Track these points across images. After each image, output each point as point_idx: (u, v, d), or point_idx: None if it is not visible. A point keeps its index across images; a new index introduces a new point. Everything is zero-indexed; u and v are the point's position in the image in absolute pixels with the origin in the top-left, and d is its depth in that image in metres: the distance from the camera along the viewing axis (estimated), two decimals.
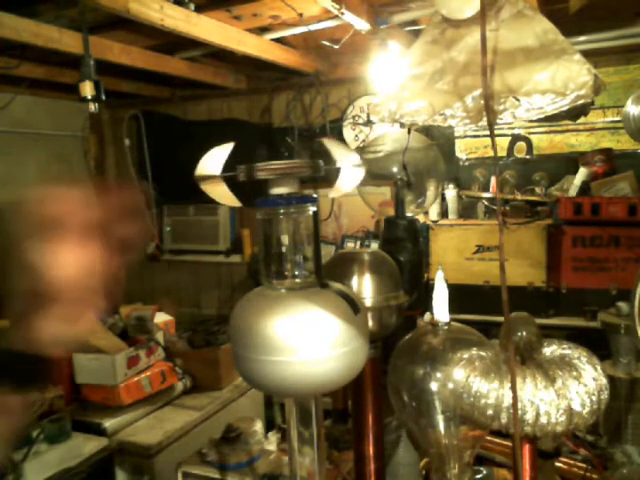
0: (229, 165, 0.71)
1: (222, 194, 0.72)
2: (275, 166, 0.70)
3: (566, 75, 0.82)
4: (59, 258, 0.59)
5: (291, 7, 2.06)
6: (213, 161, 0.71)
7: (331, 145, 0.74)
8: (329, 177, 0.75)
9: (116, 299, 0.62)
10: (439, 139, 2.76)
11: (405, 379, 0.92)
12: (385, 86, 1.01)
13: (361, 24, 2.10)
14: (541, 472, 0.87)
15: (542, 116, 0.85)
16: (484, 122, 0.85)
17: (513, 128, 2.74)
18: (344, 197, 3.01)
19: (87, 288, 0.61)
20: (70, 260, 0.59)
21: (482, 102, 0.84)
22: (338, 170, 0.74)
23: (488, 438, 1.26)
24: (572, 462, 1.23)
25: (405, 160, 1.54)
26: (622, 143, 2.61)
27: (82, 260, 0.60)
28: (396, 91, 0.96)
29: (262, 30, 2.40)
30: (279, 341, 0.67)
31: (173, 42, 2.40)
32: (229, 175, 0.70)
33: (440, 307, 0.95)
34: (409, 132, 1.62)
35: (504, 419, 0.73)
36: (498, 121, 0.85)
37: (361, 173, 0.75)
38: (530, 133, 2.76)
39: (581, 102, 0.82)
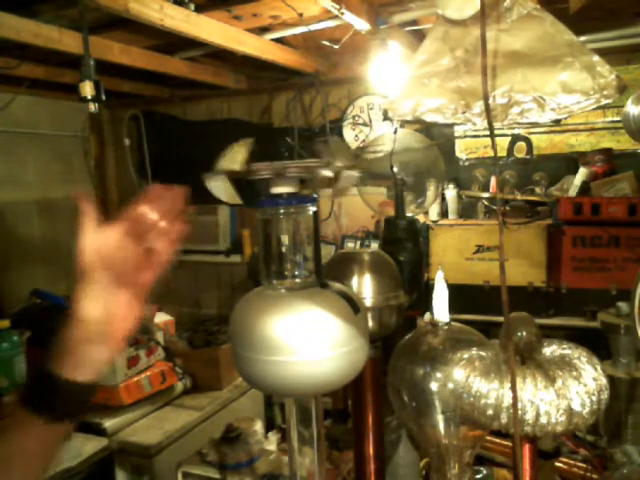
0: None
1: (229, 192, 0.72)
2: (305, 164, 0.70)
3: (589, 75, 0.82)
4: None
5: (291, 7, 2.06)
6: (234, 158, 0.70)
7: (329, 147, 0.74)
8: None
9: None
10: (439, 139, 2.76)
11: (405, 379, 0.92)
12: (398, 83, 1.00)
13: (361, 24, 2.10)
14: (541, 472, 0.87)
15: (566, 116, 0.85)
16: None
17: (513, 128, 2.74)
18: (344, 197, 3.02)
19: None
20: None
21: (505, 101, 0.84)
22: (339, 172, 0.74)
23: (488, 438, 1.26)
24: (572, 462, 1.23)
25: (393, 161, 1.55)
26: (622, 143, 2.61)
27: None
28: (412, 88, 0.95)
29: (262, 30, 2.40)
30: (279, 341, 0.67)
31: (173, 42, 2.39)
32: (257, 172, 0.70)
33: (440, 307, 0.95)
34: (395, 132, 1.64)
35: (504, 419, 0.73)
36: (524, 120, 0.85)
37: (355, 175, 0.75)
38: (530, 133, 2.76)
39: (605, 102, 0.82)
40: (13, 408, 0.58)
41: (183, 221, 0.61)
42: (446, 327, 0.94)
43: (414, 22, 2.31)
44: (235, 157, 0.68)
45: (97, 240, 0.58)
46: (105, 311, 0.59)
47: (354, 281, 0.97)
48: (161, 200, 0.61)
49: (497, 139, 2.75)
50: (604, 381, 0.75)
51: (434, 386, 0.89)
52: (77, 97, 1.88)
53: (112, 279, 0.59)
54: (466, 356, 0.82)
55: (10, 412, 0.59)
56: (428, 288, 1.27)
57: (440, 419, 0.90)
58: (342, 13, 1.92)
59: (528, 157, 2.77)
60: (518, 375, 0.73)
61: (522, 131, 2.75)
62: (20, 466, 0.58)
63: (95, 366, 0.59)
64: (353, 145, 3.10)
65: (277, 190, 0.72)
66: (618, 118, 2.46)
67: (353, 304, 0.71)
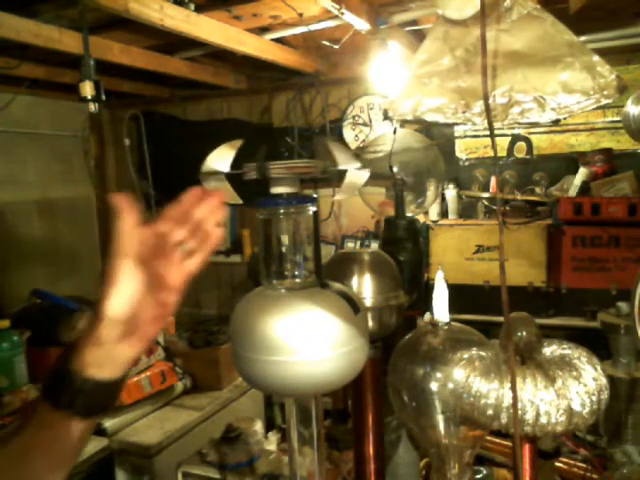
0: (235, 163, 0.71)
1: (226, 192, 0.71)
2: (290, 165, 0.70)
3: (589, 75, 0.83)
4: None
5: (291, 7, 2.06)
6: (221, 158, 0.70)
7: (333, 147, 0.74)
8: (331, 178, 0.75)
9: None
10: (439, 139, 2.76)
11: (405, 379, 0.92)
12: (398, 83, 1.00)
13: (361, 24, 2.10)
14: (541, 472, 0.87)
15: (566, 116, 0.85)
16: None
17: (513, 128, 2.74)
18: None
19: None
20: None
21: (505, 100, 0.84)
22: (344, 172, 0.74)
23: (488, 438, 1.26)
24: (572, 462, 1.23)
25: (393, 161, 1.56)
26: (622, 143, 2.61)
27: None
28: (412, 88, 0.95)
29: (262, 30, 2.40)
30: (279, 341, 0.67)
31: (173, 42, 2.39)
32: (240, 173, 0.69)
33: (440, 307, 0.95)
34: (395, 132, 1.64)
35: (504, 419, 0.73)
36: (524, 120, 0.85)
37: (365, 174, 0.75)
38: (530, 133, 2.76)
39: (605, 102, 0.82)
40: (35, 403, 0.58)
41: (219, 225, 0.61)
42: (446, 327, 0.94)
43: (414, 22, 2.31)
44: (220, 157, 0.68)
45: (135, 238, 0.58)
46: (133, 310, 0.58)
47: (354, 281, 0.97)
48: (200, 202, 0.61)
49: (497, 139, 2.74)
50: (604, 381, 0.75)
51: (434, 386, 0.89)
52: (77, 97, 1.88)
53: (144, 278, 0.58)
54: (466, 356, 0.82)
55: (32, 407, 0.59)
56: (428, 288, 1.27)
57: (440, 419, 0.90)
58: (342, 13, 1.92)
59: (528, 157, 2.77)
60: (518, 375, 0.73)
61: (522, 131, 2.75)
62: (40, 460, 0.58)
63: (119, 364, 0.59)
64: (353, 145, 3.10)
65: (277, 190, 0.72)
66: (618, 118, 2.46)
67: (353, 304, 0.71)
